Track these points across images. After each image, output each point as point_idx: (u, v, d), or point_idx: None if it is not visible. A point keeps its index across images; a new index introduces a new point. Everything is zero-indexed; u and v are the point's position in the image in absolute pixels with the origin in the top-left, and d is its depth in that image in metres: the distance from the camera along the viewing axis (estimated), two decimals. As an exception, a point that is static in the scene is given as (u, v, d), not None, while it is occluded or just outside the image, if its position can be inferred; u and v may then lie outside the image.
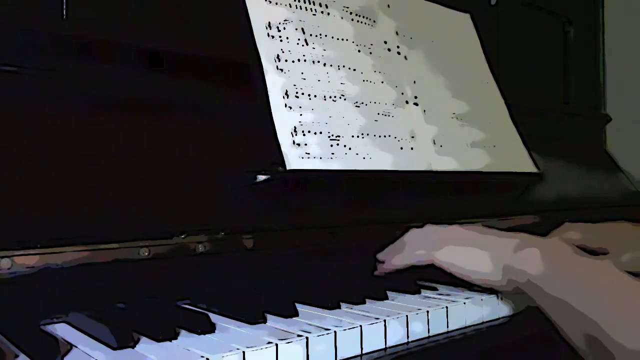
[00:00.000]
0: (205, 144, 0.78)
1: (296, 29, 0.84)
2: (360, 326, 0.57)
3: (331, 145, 0.81)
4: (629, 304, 0.55)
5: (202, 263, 0.71)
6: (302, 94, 0.81)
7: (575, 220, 0.94)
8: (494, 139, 1.06)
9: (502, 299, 0.72)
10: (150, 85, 0.77)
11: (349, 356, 0.56)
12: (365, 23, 0.94)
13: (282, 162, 0.75)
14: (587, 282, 0.60)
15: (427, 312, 0.63)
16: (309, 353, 0.53)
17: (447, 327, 0.65)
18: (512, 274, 0.67)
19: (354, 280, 0.79)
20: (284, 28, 0.83)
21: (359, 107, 0.87)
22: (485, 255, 0.71)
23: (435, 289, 0.76)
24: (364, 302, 0.68)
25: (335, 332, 0.55)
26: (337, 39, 0.89)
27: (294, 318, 0.61)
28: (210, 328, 0.56)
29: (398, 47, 0.98)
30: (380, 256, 0.82)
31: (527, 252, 0.66)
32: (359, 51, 0.91)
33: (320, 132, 0.80)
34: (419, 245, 0.78)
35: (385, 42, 0.96)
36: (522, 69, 1.41)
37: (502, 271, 0.69)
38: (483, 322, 0.69)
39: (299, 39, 0.84)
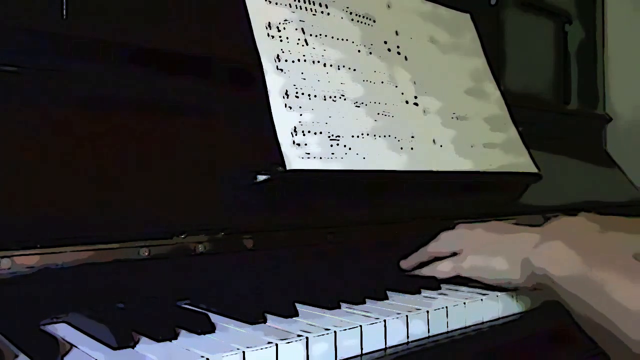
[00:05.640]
0: (205, 144, 0.78)
1: (296, 29, 0.84)
2: (360, 326, 0.57)
3: (331, 145, 0.81)
4: None
5: (202, 263, 0.71)
6: (302, 94, 0.81)
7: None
8: (494, 139, 1.06)
9: (501, 299, 0.72)
10: (150, 85, 0.77)
11: (349, 356, 0.56)
12: (365, 23, 0.94)
13: (282, 162, 0.75)
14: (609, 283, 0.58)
15: (427, 312, 0.63)
16: (309, 353, 0.53)
17: (447, 327, 0.65)
18: (531, 270, 0.66)
19: (354, 280, 0.79)
20: (284, 28, 0.83)
21: (359, 107, 0.87)
22: (503, 254, 0.71)
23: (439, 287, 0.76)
24: (364, 302, 0.67)
25: (335, 332, 0.55)
26: (337, 39, 0.89)
27: (294, 318, 0.61)
28: (210, 328, 0.56)
29: (398, 47, 0.98)
30: (404, 265, 0.84)
31: (547, 247, 0.65)
32: (359, 51, 0.91)
33: (320, 132, 0.80)
34: (443, 256, 0.79)
35: (385, 42, 0.96)
36: (522, 69, 1.41)
37: (520, 268, 0.68)
38: (483, 322, 0.69)
39: (299, 39, 0.84)
